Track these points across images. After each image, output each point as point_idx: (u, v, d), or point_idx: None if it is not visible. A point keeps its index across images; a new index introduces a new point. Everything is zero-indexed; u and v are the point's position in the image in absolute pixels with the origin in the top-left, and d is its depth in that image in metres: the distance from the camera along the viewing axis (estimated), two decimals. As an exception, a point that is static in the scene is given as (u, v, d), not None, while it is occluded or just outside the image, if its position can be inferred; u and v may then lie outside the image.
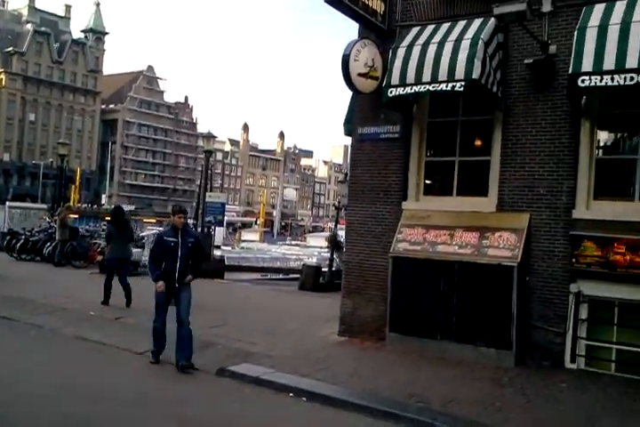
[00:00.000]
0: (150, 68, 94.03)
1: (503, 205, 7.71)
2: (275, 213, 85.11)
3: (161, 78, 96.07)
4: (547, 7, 7.36)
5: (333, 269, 15.16)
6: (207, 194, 18.32)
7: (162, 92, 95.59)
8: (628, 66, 6.07)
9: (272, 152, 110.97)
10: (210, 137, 19.25)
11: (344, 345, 8.25)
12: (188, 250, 6.77)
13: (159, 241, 6.94)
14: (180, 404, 5.51)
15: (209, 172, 19.42)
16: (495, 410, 5.52)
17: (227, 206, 22.84)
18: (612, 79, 6.18)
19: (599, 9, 6.70)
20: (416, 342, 7.70)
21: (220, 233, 31.47)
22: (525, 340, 7.36)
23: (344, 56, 7.94)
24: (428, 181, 8.75)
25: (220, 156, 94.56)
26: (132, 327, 8.40)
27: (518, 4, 6.51)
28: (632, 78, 6.06)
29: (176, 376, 6.49)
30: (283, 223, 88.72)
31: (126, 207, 25.40)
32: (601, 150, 7.57)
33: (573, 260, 7.12)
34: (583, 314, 7.22)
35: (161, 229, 15.62)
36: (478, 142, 8.46)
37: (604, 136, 7.62)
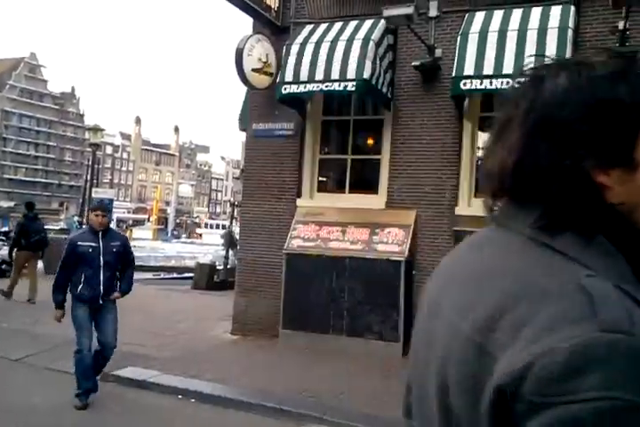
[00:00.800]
0: (33, 55, 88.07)
1: (392, 203, 7.96)
2: (169, 210, 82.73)
3: (44, 66, 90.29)
4: (433, 12, 7.66)
5: (228, 266, 14.97)
6: (94, 190, 17.46)
7: (45, 81, 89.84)
8: (504, 71, 6.46)
9: (166, 147, 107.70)
10: (97, 129, 18.33)
11: (237, 344, 8.17)
12: (114, 257, 5.42)
13: (72, 249, 5.32)
14: (58, 413, 5.19)
15: (96, 166, 18.49)
16: (382, 401, 5.66)
17: (116, 203, 21.90)
18: (491, 83, 6.55)
19: (480, 16, 7.09)
20: (309, 338, 7.78)
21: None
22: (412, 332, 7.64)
23: (237, 50, 7.86)
24: (322, 179, 8.87)
25: (110, 149, 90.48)
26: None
27: (406, 8, 6.74)
28: (508, 83, 6.43)
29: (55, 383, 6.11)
30: (178, 220, 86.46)
31: (5, 204, 23.58)
32: (481, 151, 7.99)
33: (456, 254, 7.48)
34: (465, 306, 7.62)
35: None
36: (370, 141, 8.69)
37: (484, 137, 8.06)
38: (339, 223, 8.06)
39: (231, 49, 8.01)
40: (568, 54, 6.28)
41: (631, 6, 6.25)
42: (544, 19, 6.66)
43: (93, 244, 5.33)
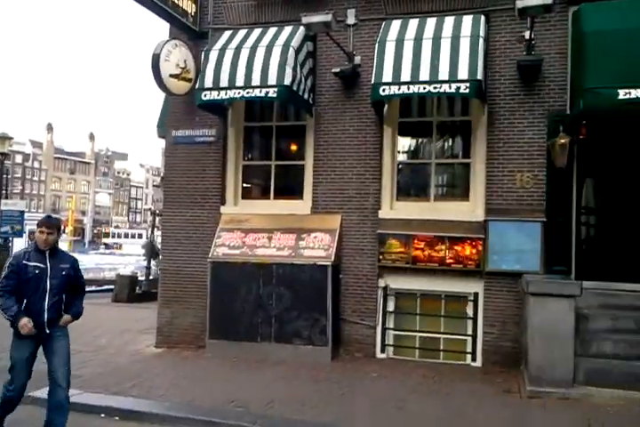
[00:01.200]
0: None
1: (317, 208, 8.00)
2: (86, 221, 79.44)
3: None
4: (351, 20, 7.79)
5: (151, 277, 14.54)
6: (2, 201, 16.49)
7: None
8: (421, 78, 6.65)
9: (81, 155, 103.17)
10: (4, 138, 17.33)
11: (162, 357, 7.93)
12: (62, 281, 4.71)
13: (16, 268, 4.62)
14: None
15: (4, 176, 17.48)
16: (312, 406, 5.68)
17: (28, 215, 20.73)
18: (409, 89, 6.72)
19: (396, 24, 7.28)
20: (237, 347, 7.66)
21: (20, 245, 28.45)
22: (340, 335, 7.72)
23: (154, 55, 7.68)
24: (246, 185, 8.79)
25: (19, 158, 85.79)
26: None
27: (324, 15, 6.83)
28: (425, 88, 6.65)
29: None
30: (95, 231, 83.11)
31: None
32: (402, 155, 8.21)
33: (380, 257, 7.63)
34: (390, 306, 7.78)
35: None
36: (293, 147, 8.70)
37: (404, 142, 8.27)
38: (264, 230, 8.01)
39: (148, 54, 7.82)
40: (480, 61, 6.56)
41: (535, 17, 6.59)
42: (457, 27, 6.92)
43: (40, 264, 4.62)
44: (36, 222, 4.73)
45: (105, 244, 60.46)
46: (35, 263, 4.61)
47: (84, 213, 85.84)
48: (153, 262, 14.84)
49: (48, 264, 4.65)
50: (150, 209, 17.78)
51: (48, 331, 4.64)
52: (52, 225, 4.72)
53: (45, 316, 4.61)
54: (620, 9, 6.57)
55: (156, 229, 16.69)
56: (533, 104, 7.18)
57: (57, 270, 4.67)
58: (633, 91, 5.84)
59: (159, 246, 11.17)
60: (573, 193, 7.16)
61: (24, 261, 4.62)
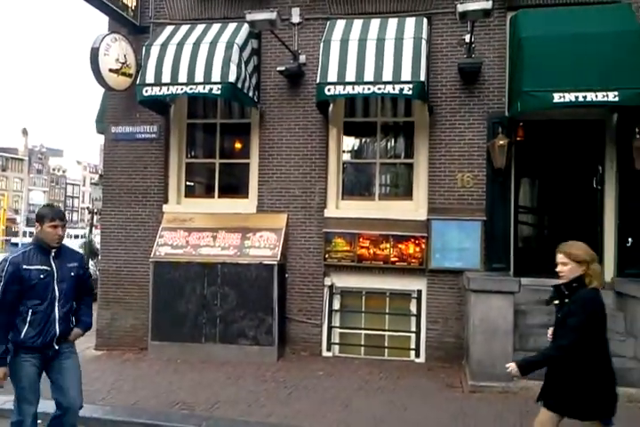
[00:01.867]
0: None
1: (263, 206, 7.96)
2: (19, 220, 76.19)
3: None
4: (296, 18, 7.80)
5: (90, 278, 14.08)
6: None
7: None
8: (365, 79, 6.71)
9: (13, 151, 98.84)
10: None
11: (101, 360, 7.71)
12: (72, 284, 4.01)
13: (14, 276, 3.81)
14: None
15: None
16: (259, 406, 5.66)
17: (-44, 213, 19.74)
18: (354, 89, 6.77)
19: (341, 24, 7.31)
20: (181, 349, 7.53)
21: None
22: (286, 334, 7.71)
23: (93, 49, 7.43)
24: (189, 183, 8.65)
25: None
26: None
27: (269, 13, 6.78)
28: (369, 89, 6.72)
29: None
30: (29, 231, 79.70)
31: None
32: (347, 154, 8.26)
33: (326, 255, 7.67)
34: (336, 305, 7.83)
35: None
36: (238, 145, 8.61)
37: (349, 142, 8.33)
38: (209, 229, 7.90)
39: (87, 47, 7.56)
40: (423, 63, 6.68)
41: (475, 21, 6.76)
42: (400, 29, 7.01)
43: (45, 267, 3.90)
44: (40, 215, 3.96)
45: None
46: (38, 266, 3.88)
47: (16, 211, 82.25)
48: (92, 263, 14.38)
49: (54, 266, 3.94)
50: (88, 208, 17.22)
51: (56, 347, 3.97)
52: (64, 216, 4.01)
53: (57, 329, 3.91)
54: (554, 16, 6.85)
55: (94, 229, 16.20)
56: (474, 106, 7.37)
57: (65, 272, 3.97)
58: (567, 94, 6.08)
59: (98, 246, 10.84)
60: (512, 193, 7.40)
61: (24, 266, 3.84)
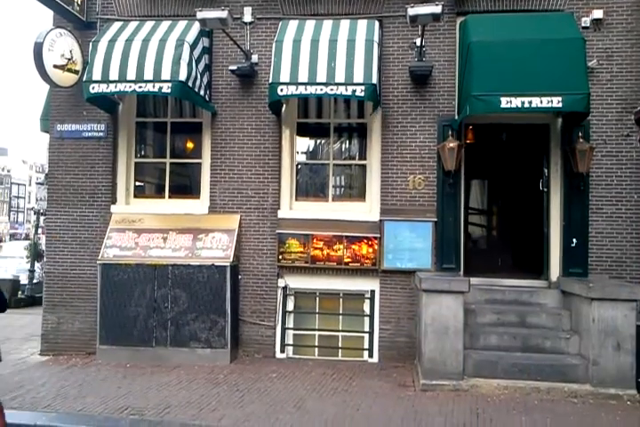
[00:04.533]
0: None
1: (215, 207, 7.86)
2: (-40, 220, 73.03)
3: None
4: (248, 18, 7.74)
5: (35, 281, 13.64)
6: None
7: None
8: (318, 79, 6.71)
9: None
10: None
11: (47, 365, 7.45)
12: None
13: None
14: None
15: None
16: (211, 410, 5.58)
17: None
18: (306, 89, 6.76)
19: (294, 25, 7.29)
20: (130, 353, 7.36)
21: None
22: (240, 336, 7.64)
23: (36, 44, 7.19)
24: (139, 183, 8.46)
25: None
26: None
27: (220, 12, 6.70)
28: (322, 90, 6.73)
29: None
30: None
31: None
32: (301, 155, 8.24)
33: (280, 256, 7.63)
34: (290, 306, 7.80)
35: None
36: (190, 145, 8.48)
37: (302, 142, 8.31)
38: (159, 230, 7.75)
39: (29, 42, 7.30)
40: (375, 66, 6.72)
41: (425, 25, 6.85)
42: (352, 31, 7.05)
43: None
44: None
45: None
46: None
47: (-43, 211, 78.80)
48: (37, 265, 13.92)
49: None
50: (33, 208, 16.64)
51: None
52: None
53: None
54: (502, 22, 7.01)
55: (40, 230, 15.69)
56: (425, 109, 7.47)
57: None
58: (514, 99, 6.24)
59: (44, 248, 10.50)
60: (462, 194, 7.53)
61: None
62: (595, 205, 7.19)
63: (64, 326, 7.99)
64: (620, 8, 7.27)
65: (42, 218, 14.35)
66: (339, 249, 7.53)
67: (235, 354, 7.48)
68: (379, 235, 7.45)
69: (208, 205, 7.88)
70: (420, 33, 7.11)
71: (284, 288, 7.75)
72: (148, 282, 7.45)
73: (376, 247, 7.46)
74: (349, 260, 7.52)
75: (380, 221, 7.49)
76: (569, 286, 6.83)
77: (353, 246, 7.51)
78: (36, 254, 13.96)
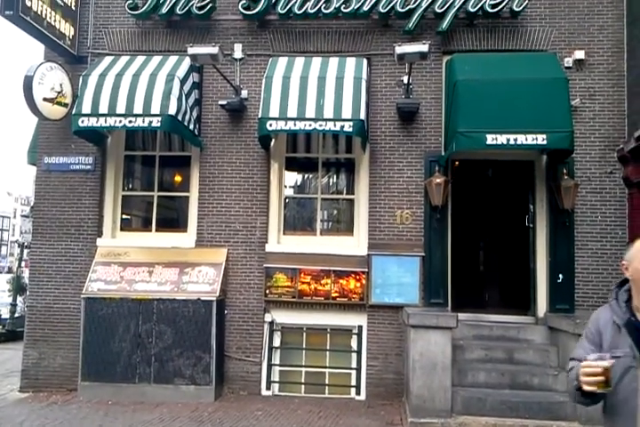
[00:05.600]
0: None
1: (202, 241, 7.81)
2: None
3: None
4: (238, 54, 7.87)
5: (17, 315, 13.37)
6: None
7: None
8: (307, 115, 6.79)
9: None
10: None
11: (26, 402, 7.24)
12: None
13: None
14: None
15: None
16: (195, 451, 5.42)
17: None
18: (295, 125, 6.84)
19: (283, 61, 7.42)
20: (113, 389, 7.18)
21: None
22: (225, 373, 7.49)
23: (27, 77, 7.22)
24: (126, 217, 8.41)
25: None
26: None
27: (211, 48, 6.81)
28: (310, 125, 6.80)
29: None
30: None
31: None
32: (289, 189, 8.28)
33: (267, 291, 7.56)
34: (277, 342, 7.69)
35: None
36: (178, 178, 8.48)
37: (291, 176, 8.35)
38: (145, 264, 7.67)
39: (18, 74, 7.33)
40: (363, 102, 6.83)
41: (412, 63, 7.01)
42: (341, 68, 7.18)
43: None
44: None
45: None
46: None
47: (-61, 242, 77.59)
48: (19, 299, 13.67)
49: None
50: (18, 241, 16.44)
51: None
52: None
53: None
54: (488, 61, 7.20)
55: (23, 263, 15.47)
56: (412, 145, 7.57)
57: None
58: (499, 136, 6.35)
59: (27, 281, 10.34)
60: (449, 229, 7.57)
61: None
62: (580, 241, 7.26)
63: (45, 362, 7.80)
64: (601, 49, 7.50)
65: (26, 251, 14.17)
66: (326, 284, 7.48)
67: (219, 391, 7.32)
68: (366, 269, 7.43)
69: (195, 239, 7.83)
70: (407, 71, 7.25)
71: (271, 323, 7.65)
72: (132, 317, 7.33)
73: (364, 282, 7.43)
74: (337, 294, 7.46)
75: (368, 255, 7.48)
76: (556, 323, 6.82)
77: (341, 281, 7.47)
78: (18, 288, 13.72)
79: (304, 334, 7.76)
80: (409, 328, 6.44)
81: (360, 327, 7.51)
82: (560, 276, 7.19)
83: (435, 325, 6.24)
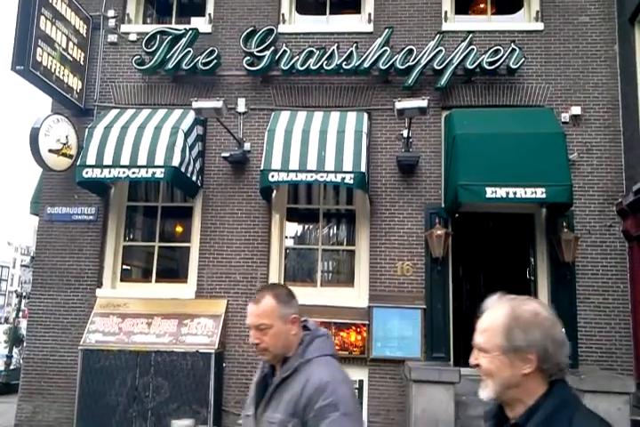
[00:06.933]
0: None
1: (202, 292, 7.77)
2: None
3: None
4: (241, 108, 8.06)
5: (12, 367, 13.11)
6: None
7: None
8: (308, 167, 6.90)
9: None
10: None
11: (17, 461, 7.01)
12: None
13: None
14: None
15: None
16: None
17: None
18: (297, 176, 6.93)
19: (285, 115, 7.60)
20: (106, 446, 6.96)
21: None
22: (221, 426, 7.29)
23: (33, 130, 7.36)
24: (126, 267, 8.40)
25: None
26: None
27: (215, 102, 6.99)
28: (312, 177, 6.90)
29: None
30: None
31: None
32: (289, 240, 8.29)
33: (266, 343, 7.43)
34: (275, 396, 7.49)
35: None
36: (179, 228, 8.52)
37: (292, 227, 8.39)
38: (144, 315, 7.59)
39: (19, 124, 7.52)
40: (363, 155, 6.95)
41: (412, 118, 7.17)
42: (342, 122, 7.35)
43: None
44: None
45: None
46: None
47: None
48: (15, 350, 13.43)
49: None
50: (16, 291, 16.34)
51: None
52: None
53: None
54: (486, 116, 7.38)
55: (21, 314, 15.31)
56: (412, 197, 7.64)
57: None
58: (498, 190, 6.42)
59: (24, 332, 10.20)
60: (450, 281, 7.53)
61: None
62: (582, 294, 7.21)
63: (39, 416, 7.60)
64: (597, 105, 7.69)
65: (24, 301, 14.07)
66: (327, 336, 7.36)
67: (216, 448, 7.11)
68: (367, 322, 7.34)
69: (195, 290, 7.79)
70: (406, 125, 7.41)
71: (270, 377, 7.48)
72: (129, 369, 7.20)
73: (365, 335, 7.33)
74: (338, 347, 7.34)
75: (369, 307, 7.41)
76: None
77: (341, 333, 7.37)
78: (15, 339, 13.52)
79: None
80: (411, 383, 6.30)
81: (361, 382, 7.34)
82: (562, 330, 7.08)
83: (437, 380, 6.12)
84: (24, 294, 13.50)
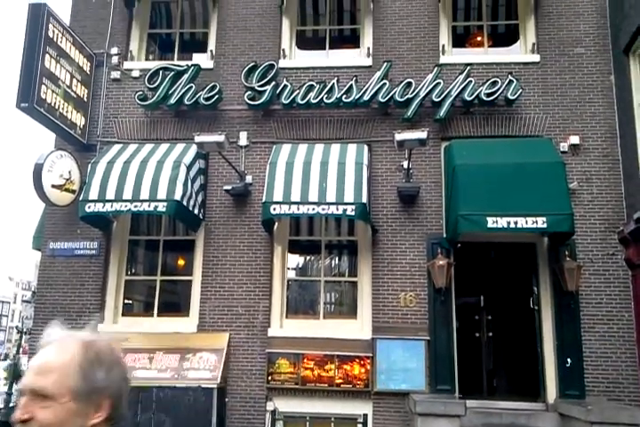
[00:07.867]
0: None
1: (204, 325, 7.70)
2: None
3: None
4: (243, 141, 8.16)
5: (12, 404, 12.88)
6: None
7: None
8: (310, 199, 6.94)
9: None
10: None
11: None
12: None
13: None
14: None
15: None
16: None
17: None
18: (298, 209, 6.96)
19: (287, 148, 7.68)
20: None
21: None
22: (224, 467, 7.11)
23: (37, 166, 7.43)
24: (128, 301, 8.34)
25: None
26: None
27: (217, 136, 7.08)
28: (314, 209, 6.93)
29: None
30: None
31: None
32: (291, 272, 8.26)
33: (269, 377, 7.35)
34: (279, 432, 7.35)
35: None
36: (181, 262, 8.51)
37: (294, 259, 8.36)
38: (145, 350, 7.50)
39: (22, 159, 7.58)
40: (364, 186, 6.99)
41: (412, 149, 7.24)
42: (343, 154, 7.42)
43: None
44: None
45: None
46: None
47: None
48: (15, 388, 13.22)
49: None
50: (17, 327, 16.19)
51: None
52: None
53: None
54: (485, 147, 7.45)
55: (21, 350, 15.14)
56: (413, 227, 7.65)
57: None
58: (499, 219, 6.43)
59: (24, 369, 10.06)
60: (453, 312, 7.46)
61: None
62: (587, 323, 7.13)
63: (36, 456, 7.42)
64: (595, 135, 7.77)
65: (25, 337, 13.93)
66: (330, 369, 7.27)
67: (219, 488, 6.92)
68: (371, 354, 7.25)
69: (197, 324, 7.72)
70: (407, 156, 7.47)
71: (273, 412, 7.35)
72: (131, 405, 7.06)
73: (368, 367, 7.22)
74: (341, 381, 7.24)
75: (373, 339, 7.33)
76: (567, 409, 6.55)
77: (345, 366, 7.27)
78: (15, 376, 13.34)
79: (307, 423, 7.44)
80: (416, 416, 6.19)
81: (365, 416, 7.19)
82: (568, 360, 7.00)
83: (442, 413, 6.01)
84: (25, 329, 13.38)
